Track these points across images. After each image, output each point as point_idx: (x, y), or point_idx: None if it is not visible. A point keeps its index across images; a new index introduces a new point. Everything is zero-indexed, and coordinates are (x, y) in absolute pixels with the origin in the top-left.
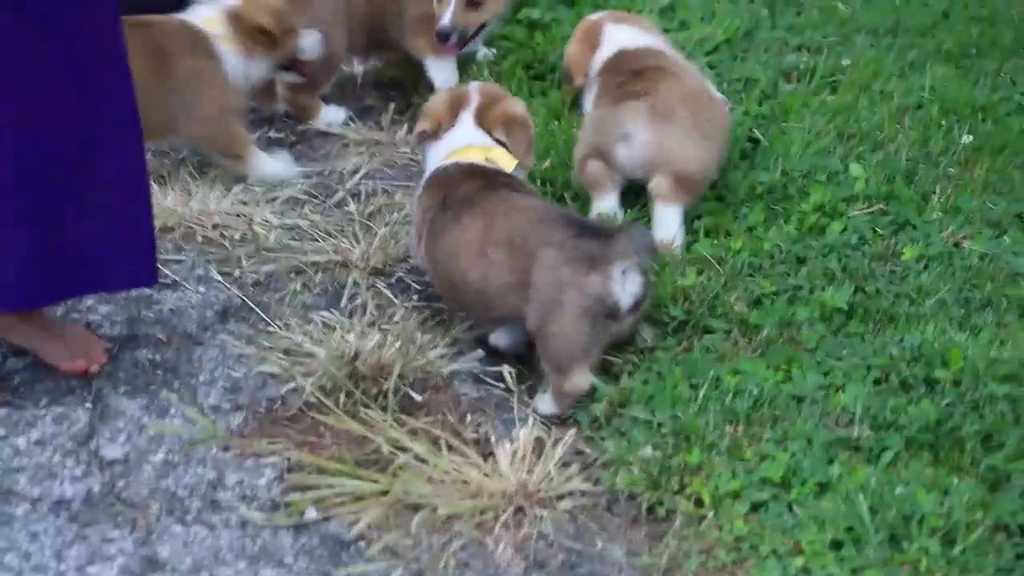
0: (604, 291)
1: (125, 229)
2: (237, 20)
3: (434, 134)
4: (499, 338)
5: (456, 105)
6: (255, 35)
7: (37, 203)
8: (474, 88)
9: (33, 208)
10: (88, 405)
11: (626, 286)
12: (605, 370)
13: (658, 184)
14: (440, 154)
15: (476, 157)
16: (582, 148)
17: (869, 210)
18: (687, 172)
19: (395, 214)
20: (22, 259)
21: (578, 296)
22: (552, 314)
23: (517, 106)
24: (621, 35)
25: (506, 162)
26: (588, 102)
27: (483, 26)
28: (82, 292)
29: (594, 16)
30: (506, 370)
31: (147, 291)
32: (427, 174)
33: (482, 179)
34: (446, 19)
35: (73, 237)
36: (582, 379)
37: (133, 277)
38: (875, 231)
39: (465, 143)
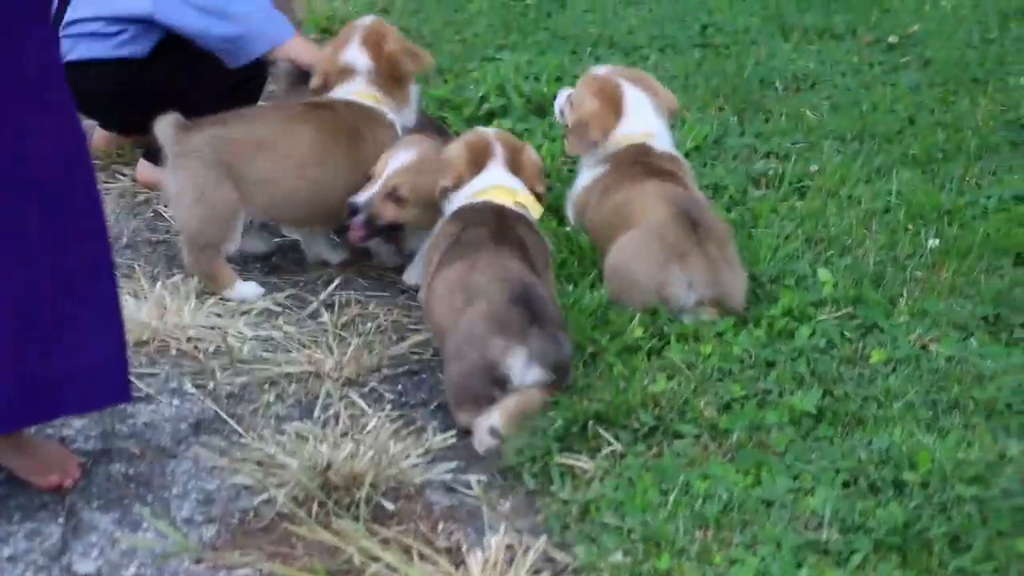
0: (500, 361)
1: (99, 349)
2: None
3: (456, 187)
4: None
5: (479, 154)
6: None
7: (15, 331)
8: (492, 135)
9: (11, 336)
10: (61, 520)
11: (520, 366)
12: (574, 475)
13: (707, 313)
14: (464, 194)
15: (506, 199)
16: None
17: (837, 314)
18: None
19: (369, 324)
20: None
21: (472, 349)
22: (452, 357)
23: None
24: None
25: (535, 209)
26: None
27: (397, 227)
28: (59, 414)
29: (602, 71)
30: (474, 479)
31: (121, 405)
32: (454, 209)
33: (500, 223)
34: (361, 196)
35: (49, 362)
36: (465, 420)
37: (108, 395)
38: (843, 335)
39: (494, 184)
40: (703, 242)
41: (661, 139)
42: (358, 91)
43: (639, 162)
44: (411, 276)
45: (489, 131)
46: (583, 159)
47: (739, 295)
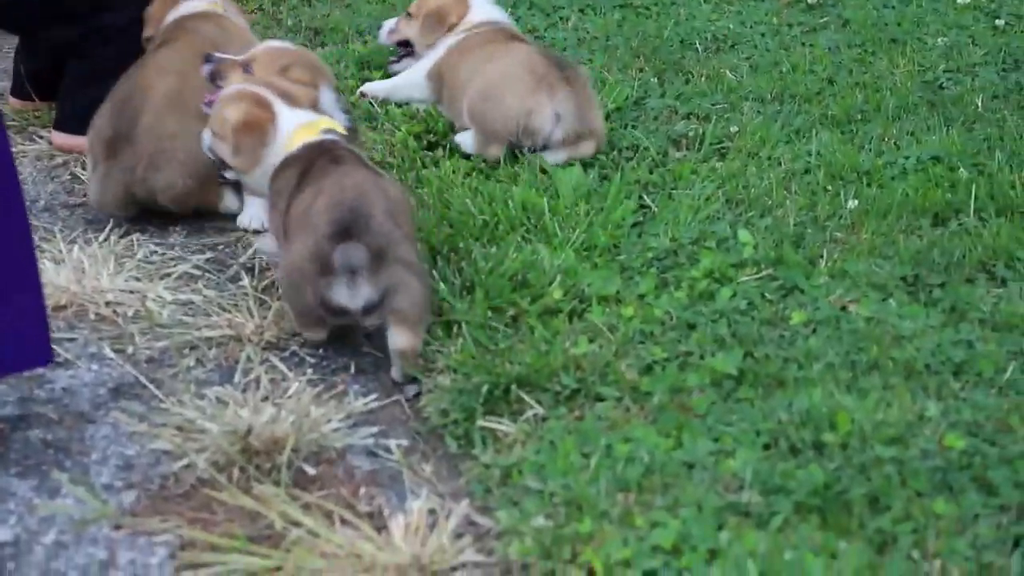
0: (329, 296)
1: (16, 312)
2: None
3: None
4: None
5: (265, 108)
6: None
7: None
8: (262, 94)
9: None
10: None
11: (347, 290)
12: (496, 438)
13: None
14: (280, 149)
15: (310, 136)
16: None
17: (758, 276)
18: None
19: None
20: None
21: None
22: (290, 295)
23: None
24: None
25: (339, 128)
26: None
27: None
28: None
29: None
30: (395, 444)
31: (39, 370)
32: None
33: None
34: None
35: None
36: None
37: (29, 358)
38: (764, 296)
39: (295, 127)
40: (570, 81)
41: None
42: None
43: (501, 31)
44: (244, 220)
45: (255, 89)
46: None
47: (602, 134)
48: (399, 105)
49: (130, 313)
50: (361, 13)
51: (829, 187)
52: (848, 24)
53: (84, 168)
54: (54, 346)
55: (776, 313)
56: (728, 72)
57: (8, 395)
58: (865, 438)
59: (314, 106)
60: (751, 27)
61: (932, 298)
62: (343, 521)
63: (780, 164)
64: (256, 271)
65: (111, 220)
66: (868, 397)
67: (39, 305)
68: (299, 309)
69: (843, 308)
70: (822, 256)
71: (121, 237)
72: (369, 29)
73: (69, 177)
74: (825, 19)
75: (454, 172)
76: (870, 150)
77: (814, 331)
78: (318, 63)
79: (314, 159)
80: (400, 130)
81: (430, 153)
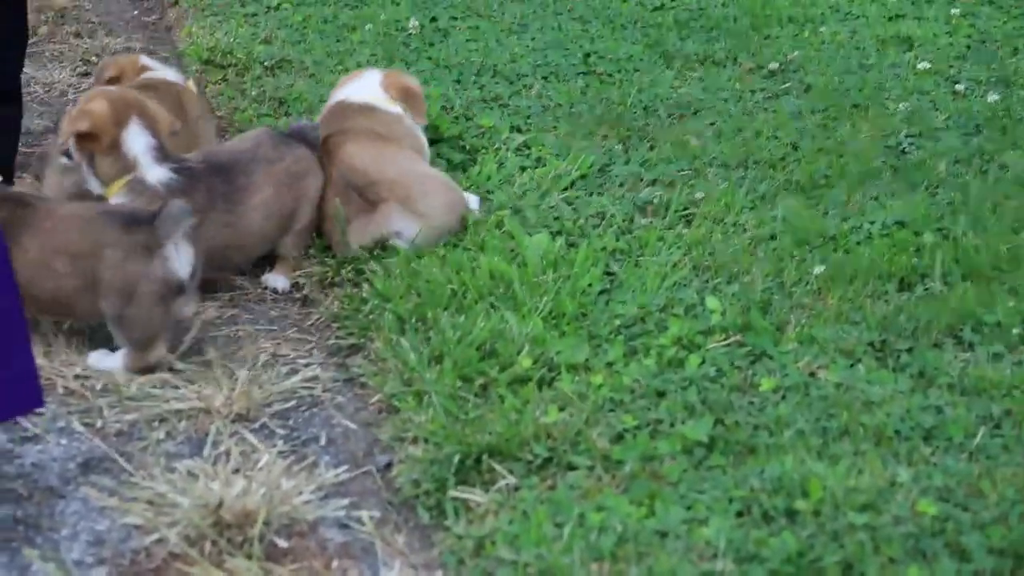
0: (167, 272)
1: (7, 359)
2: None
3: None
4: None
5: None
6: None
7: None
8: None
9: None
10: None
11: (180, 259)
12: (468, 509)
13: None
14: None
15: None
16: None
17: (726, 342)
18: None
19: (259, 358)
20: None
21: (148, 284)
22: (129, 303)
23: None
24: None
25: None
26: None
27: None
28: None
29: None
30: (367, 515)
31: (7, 445)
32: None
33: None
34: None
35: None
36: (162, 351)
37: (22, 403)
38: (732, 363)
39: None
40: None
41: None
42: None
43: None
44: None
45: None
46: None
47: None
48: None
49: (98, 386)
50: (325, 83)
51: (795, 253)
52: (810, 90)
53: None
54: (22, 420)
55: (745, 380)
56: (692, 138)
57: None
58: (837, 505)
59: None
60: (714, 93)
61: (900, 363)
62: None
63: (746, 230)
64: (224, 342)
65: None
66: (839, 463)
67: (28, 349)
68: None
69: (812, 374)
70: (790, 322)
71: None
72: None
73: None
74: (787, 85)
75: None
76: (835, 215)
77: (784, 397)
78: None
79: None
80: None
81: None
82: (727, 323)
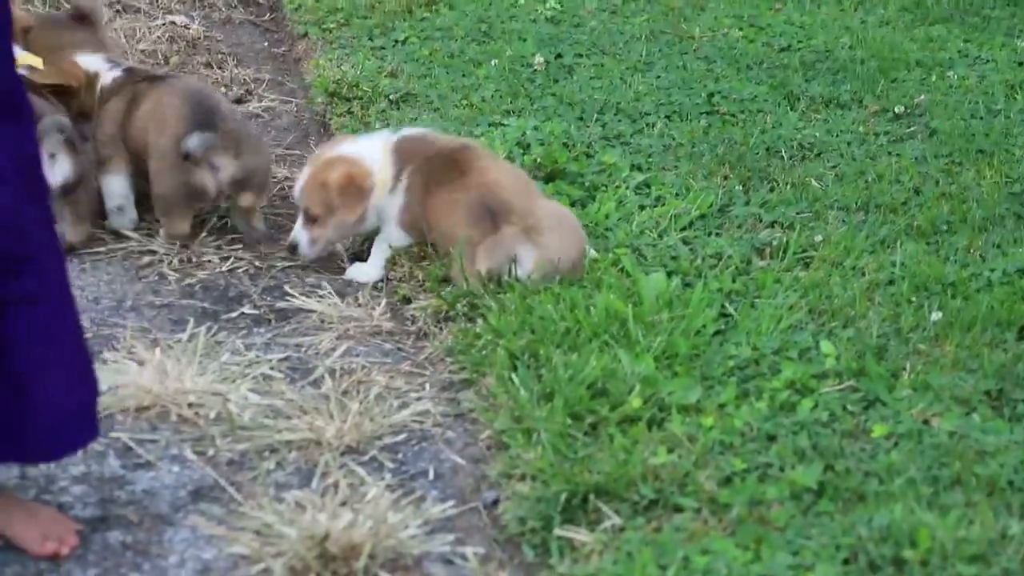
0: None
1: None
2: None
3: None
4: None
5: None
6: None
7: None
8: None
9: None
10: None
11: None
12: (573, 548)
13: None
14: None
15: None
16: None
17: (840, 387)
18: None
19: (370, 390)
20: None
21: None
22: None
23: None
24: None
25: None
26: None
27: None
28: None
29: None
30: (471, 551)
31: (120, 471)
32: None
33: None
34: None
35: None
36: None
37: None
38: (845, 408)
39: None
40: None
41: None
42: None
43: None
44: None
45: None
46: None
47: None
48: None
49: (212, 415)
50: (449, 117)
51: (913, 298)
52: (935, 134)
53: (171, 268)
54: (135, 447)
55: (857, 426)
56: (813, 180)
57: (89, 496)
58: (946, 556)
59: None
60: (837, 136)
61: (1016, 413)
62: None
63: (864, 274)
64: (338, 374)
65: (192, 320)
66: (950, 514)
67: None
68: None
69: (925, 422)
70: (905, 368)
71: (205, 338)
72: (456, 132)
73: (156, 277)
74: (912, 129)
75: None
76: (955, 262)
77: (896, 445)
78: None
79: None
80: None
81: None
82: (841, 368)
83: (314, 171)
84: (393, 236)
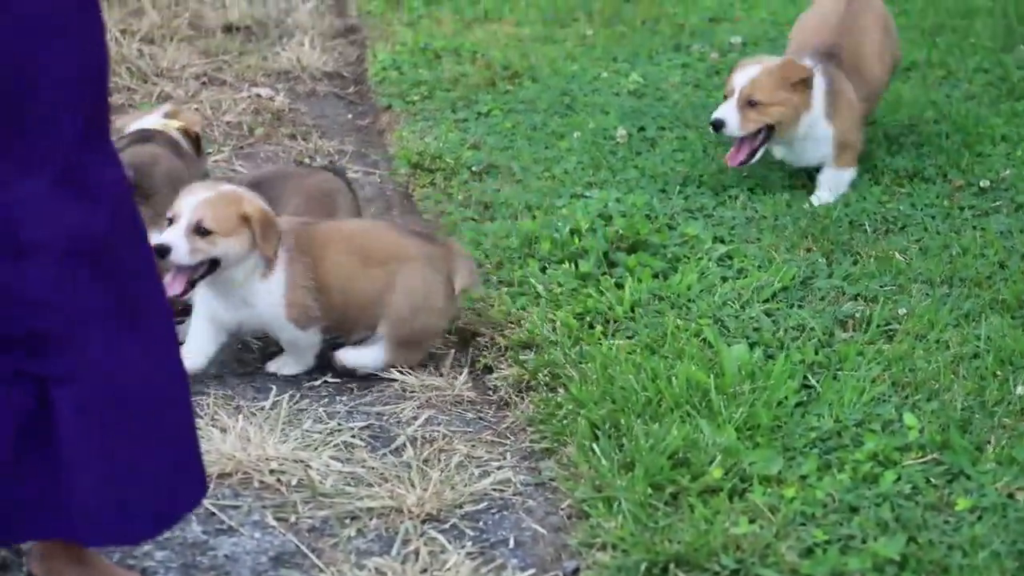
0: None
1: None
2: None
3: None
4: None
5: None
6: None
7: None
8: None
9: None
10: None
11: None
12: None
13: None
14: None
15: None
16: None
17: (923, 460)
18: None
19: (452, 459)
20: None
21: None
22: None
23: None
24: None
25: None
26: None
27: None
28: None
29: None
30: None
31: (202, 537)
32: None
33: None
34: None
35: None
36: None
37: (196, 495)
38: (929, 481)
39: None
40: None
41: None
42: None
43: None
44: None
45: None
46: None
47: None
48: (559, 284)
49: (293, 482)
50: (531, 189)
51: (998, 372)
52: (1021, 208)
53: (255, 336)
54: (218, 512)
55: (941, 498)
56: (897, 254)
57: (172, 561)
58: None
59: None
60: (921, 209)
61: None
62: None
63: (948, 348)
64: (419, 443)
65: (275, 388)
66: None
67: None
68: None
69: (1010, 495)
70: (989, 442)
71: (288, 405)
72: (538, 204)
73: (239, 346)
74: (997, 203)
75: (617, 349)
76: None
77: (980, 518)
78: None
79: None
80: (560, 310)
81: (591, 330)
82: (925, 440)
83: None
84: None
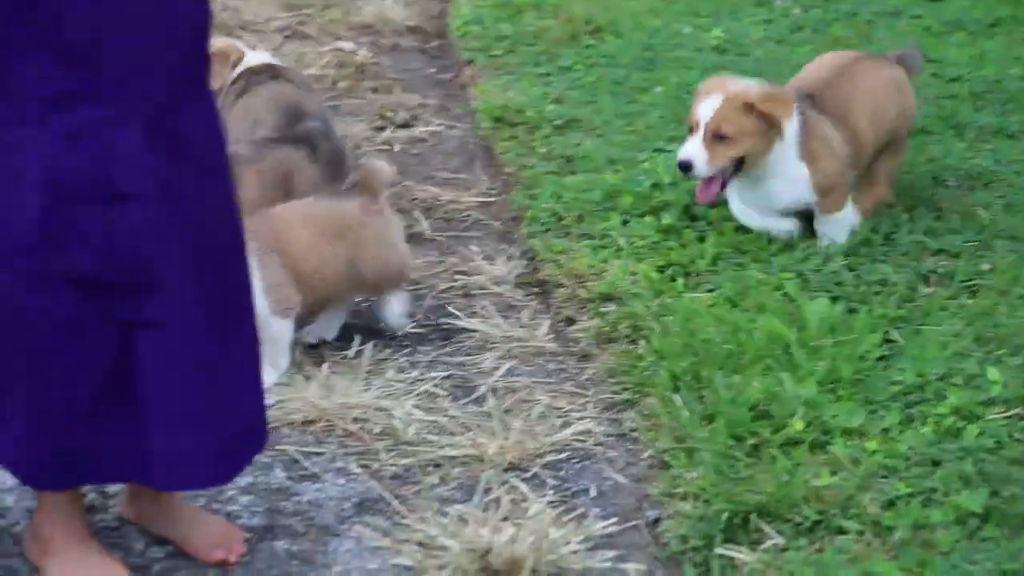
0: None
1: (257, 395)
2: None
3: None
4: None
5: None
6: None
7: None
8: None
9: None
10: None
11: None
12: (735, 567)
13: None
14: None
15: None
16: None
17: (1006, 414)
18: None
19: (534, 409)
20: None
21: None
22: None
23: None
24: None
25: None
26: None
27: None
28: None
29: None
30: (633, 568)
31: (286, 483)
32: None
33: None
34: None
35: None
36: None
37: (259, 443)
38: (1012, 436)
39: None
40: None
41: None
42: None
43: None
44: None
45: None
46: None
47: None
48: (641, 237)
49: (376, 430)
50: (613, 143)
51: None
52: None
53: None
54: (302, 459)
55: None
56: (981, 210)
57: (257, 506)
58: None
59: None
60: (1006, 165)
61: None
62: None
63: None
64: (500, 393)
65: (359, 337)
66: None
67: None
68: None
69: None
70: None
71: (371, 355)
72: (620, 158)
73: None
74: None
75: (699, 302)
76: None
77: None
78: None
79: None
80: (642, 262)
81: (672, 283)
82: (1008, 395)
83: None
84: None
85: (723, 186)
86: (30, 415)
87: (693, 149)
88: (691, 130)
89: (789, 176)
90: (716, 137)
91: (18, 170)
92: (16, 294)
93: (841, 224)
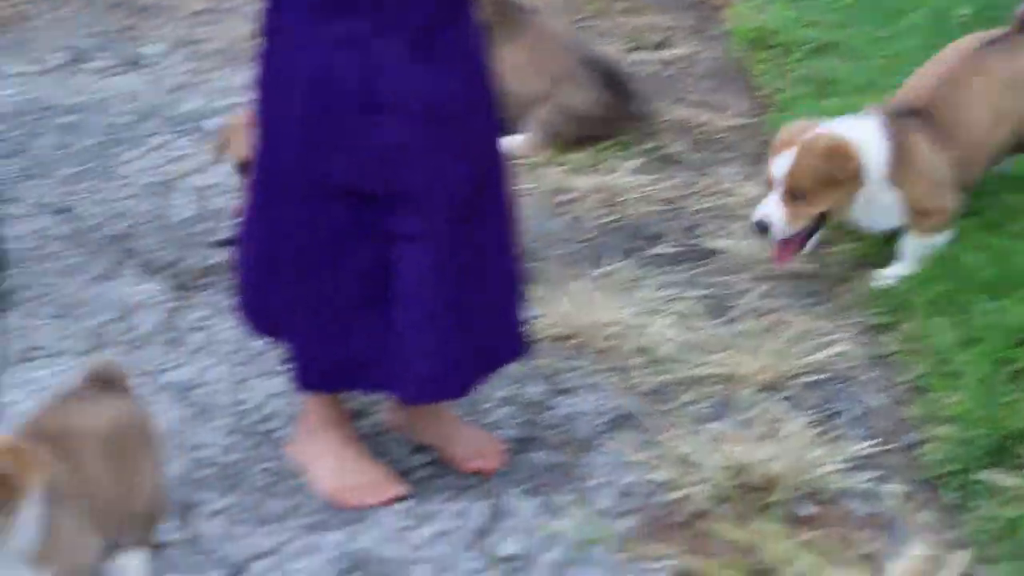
0: None
1: (511, 306)
2: None
3: None
4: None
5: None
6: None
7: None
8: None
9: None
10: (485, 502)
11: None
12: (996, 492)
13: None
14: None
15: None
16: None
17: None
18: None
19: (789, 330)
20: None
21: None
22: None
23: None
24: None
25: None
26: None
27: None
28: (491, 370)
29: None
30: (892, 489)
31: (541, 396)
32: None
33: None
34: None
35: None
36: None
37: (517, 350)
38: None
39: None
40: None
41: None
42: None
43: None
44: None
45: None
46: None
47: None
48: None
49: (631, 347)
50: (869, 67)
51: None
52: None
53: (585, 209)
54: (557, 375)
55: None
56: None
57: (514, 418)
58: None
59: None
60: None
61: None
62: (838, 562)
63: None
64: (755, 313)
65: (614, 256)
66: None
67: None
68: None
69: None
70: None
71: (626, 272)
72: (876, 83)
73: (572, 218)
74: None
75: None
76: None
77: None
78: None
79: None
80: None
81: None
82: None
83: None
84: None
85: (802, 245)
86: (307, 320)
87: (770, 208)
88: (769, 186)
89: (881, 203)
90: (793, 195)
91: (289, 77)
92: (290, 202)
93: (928, 247)
